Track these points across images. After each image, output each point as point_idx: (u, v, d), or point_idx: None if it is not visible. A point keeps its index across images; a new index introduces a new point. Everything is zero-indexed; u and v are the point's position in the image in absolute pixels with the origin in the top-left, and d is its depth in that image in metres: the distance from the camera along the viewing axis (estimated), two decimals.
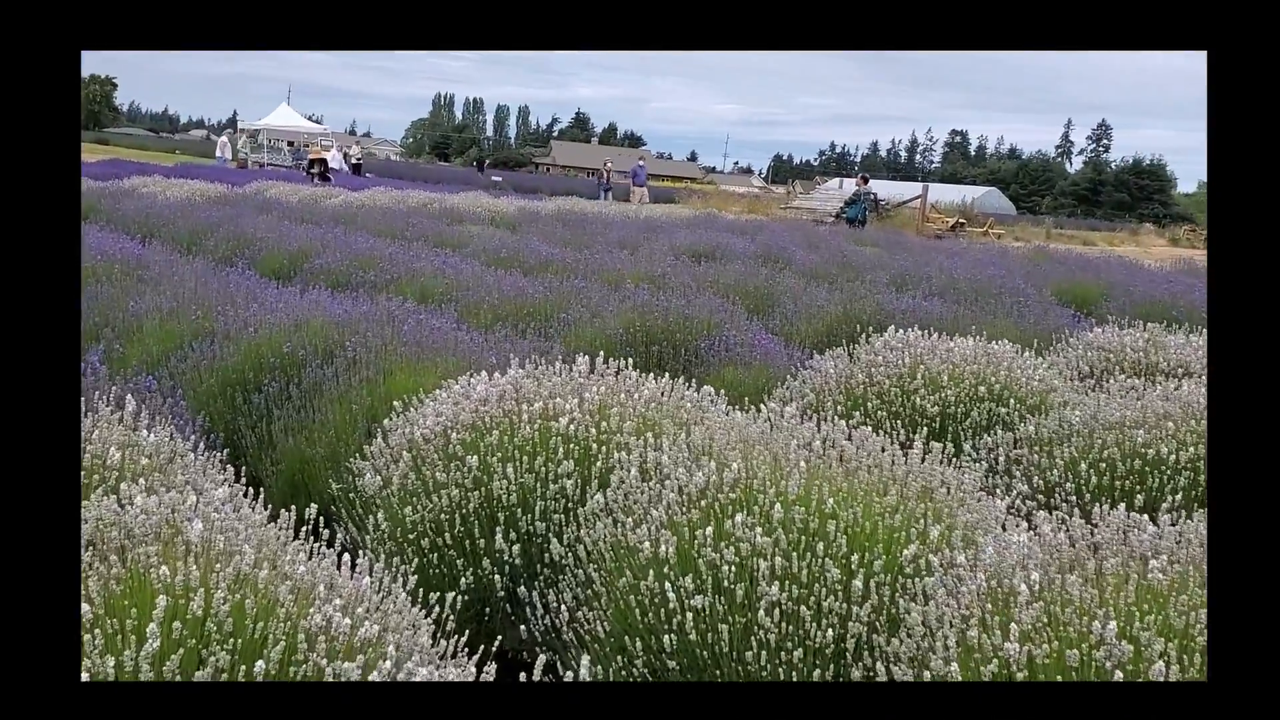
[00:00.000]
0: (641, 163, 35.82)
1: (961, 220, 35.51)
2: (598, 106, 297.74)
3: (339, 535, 4.20)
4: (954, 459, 3.95)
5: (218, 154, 38.47)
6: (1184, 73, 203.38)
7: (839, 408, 5.18)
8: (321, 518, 4.42)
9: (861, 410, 5.16)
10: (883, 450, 3.50)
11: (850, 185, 43.07)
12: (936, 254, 14.15)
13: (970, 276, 10.27)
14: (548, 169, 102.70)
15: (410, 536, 3.84)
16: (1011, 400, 5.11)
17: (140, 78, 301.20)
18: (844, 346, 5.81)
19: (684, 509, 3.28)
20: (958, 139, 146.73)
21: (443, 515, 3.81)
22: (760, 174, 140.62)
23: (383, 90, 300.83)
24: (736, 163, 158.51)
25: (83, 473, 3.03)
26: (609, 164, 35.00)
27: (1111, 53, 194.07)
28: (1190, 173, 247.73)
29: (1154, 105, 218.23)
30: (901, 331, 5.69)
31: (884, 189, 41.35)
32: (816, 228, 22.69)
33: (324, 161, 27.49)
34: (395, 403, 4.48)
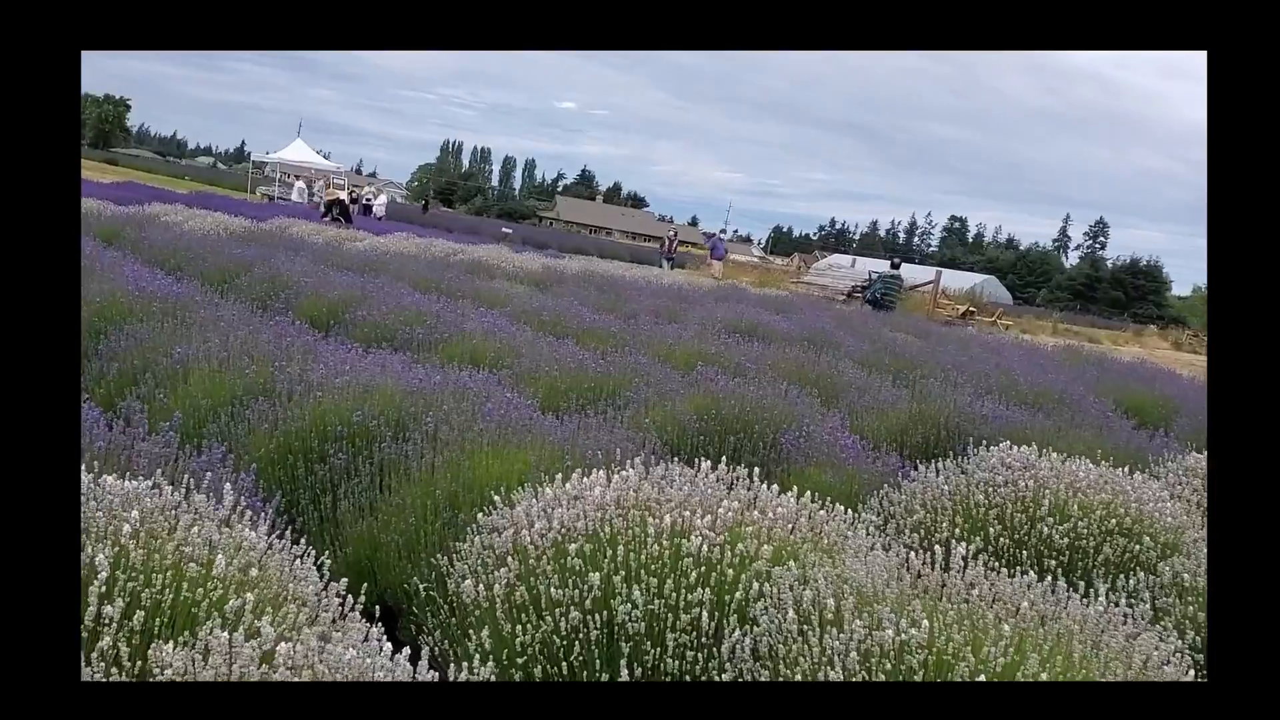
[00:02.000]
0: (722, 236, 35.07)
1: (972, 309, 35.36)
2: (603, 164, 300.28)
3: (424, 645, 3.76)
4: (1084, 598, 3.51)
5: (293, 196, 36.87)
6: (1178, 178, 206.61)
7: (956, 530, 4.75)
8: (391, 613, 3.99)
9: (982, 536, 4.73)
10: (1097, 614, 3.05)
11: (863, 264, 43.02)
12: (977, 347, 13.81)
13: (1031, 380, 9.89)
14: (551, 223, 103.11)
15: (518, 660, 3.37)
16: (1145, 537, 4.69)
17: (151, 100, 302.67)
18: (952, 459, 5.40)
19: (866, 672, 2.83)
20: (956, 225, 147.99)
21: (557, 639, 3.36)
22: (760, 244, 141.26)
23: (390, 131, 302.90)
24: (736, 231, 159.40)
25: (187, 585, 2.58)
26: (675, 234, 34.30)
27: (1105, 151, 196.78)
28: (1184, 277, 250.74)
29: (1148, 207, 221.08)
30: (1018, 448, 5.28)
31: (874, 267, 41.20)
32: (836, 306, 22.45)
33: (342, 203, 27.10)
34: (494, 495, 4.05)
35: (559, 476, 4.13)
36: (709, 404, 6.47)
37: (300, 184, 36.31)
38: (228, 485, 2.98)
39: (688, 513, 3.58)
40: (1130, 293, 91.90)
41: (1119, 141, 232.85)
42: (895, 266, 25.17)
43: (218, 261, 11.23)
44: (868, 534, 3.94)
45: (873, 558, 3.47)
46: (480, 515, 3.99)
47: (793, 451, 6.09)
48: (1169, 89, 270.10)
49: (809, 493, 4.00)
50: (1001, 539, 4.74)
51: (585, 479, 3.94)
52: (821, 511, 3.88)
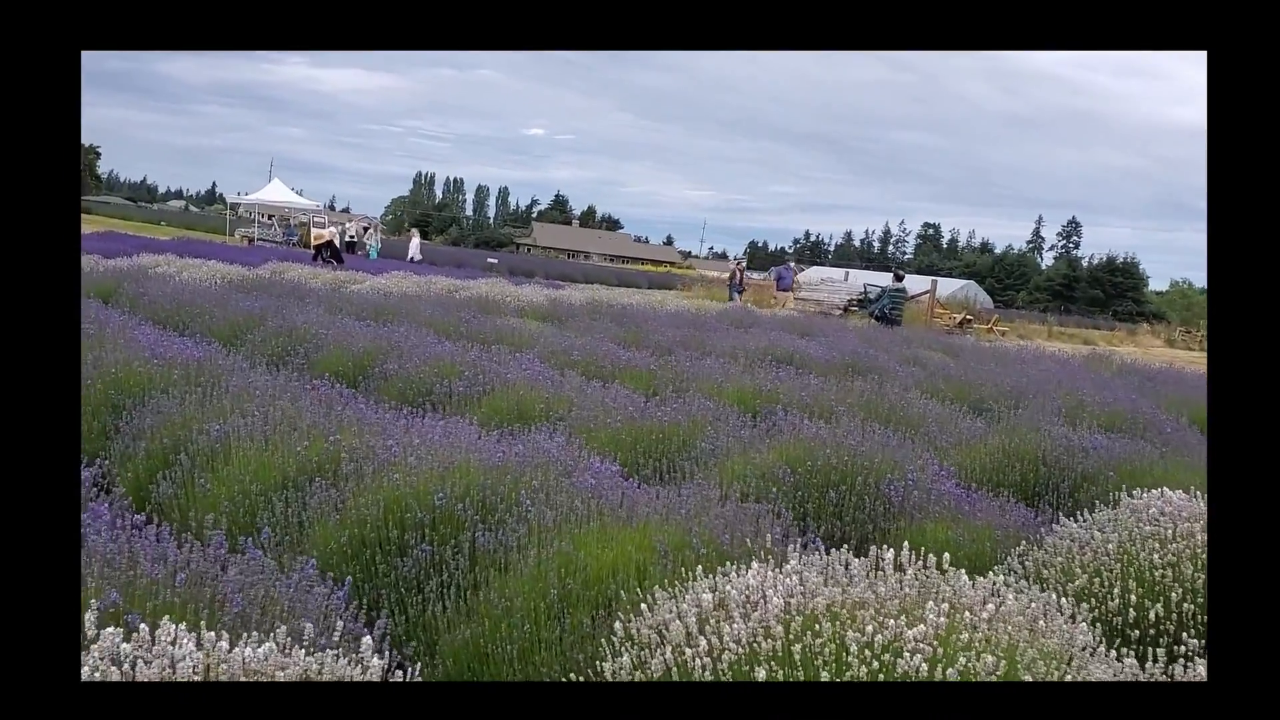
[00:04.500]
0: (790, 266, 33.22)
1: (969, 316, 35.02)
2: (574, 189, 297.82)
3: None
4: None
5: (368, 241, 36.05)
6: (1142, 174, 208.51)
7: (1131, 596, 4.18)
8: None
9: (1164, 602, 4.15)
10: None
11: (856, 277, 42.71)
12: (1015, 363, 13.30)
13: (1098, 400, 9.37)
14: (529, 249, 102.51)
15: None
16: None
17: (117, 146, 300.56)
18: (1105, 508, 4.85)
19: None
20: (930, 231, 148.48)
21: None
22: (737, 259, 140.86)
23: (361, 167, 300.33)
24: (712, 248, 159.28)
25: None
26: (742, 264, 32.85)
27: (1070, 151, 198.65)
28: (1159, 271, 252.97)
29: (1117, 205, 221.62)
30: (1174, 493, 4.74)
31: (868, 280, 40.76)
32: (836, 321, 21.96)
33: (332, 244, 26.37)
34: (624, 594, 3.46)
35: (699, 570, 3.55)
36: (800, 453, 5.89)
37: (334, 229, 35.02)
38: (339, 621, 2.37)
39: (890, 620, 3.00)
40: (1109, 290, 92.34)
41: (1083, 141, 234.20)
42: (899, 279, 24.76)
43: (225, 315, 10.55)
44: (1073, 619, 3.34)
45: (1119, 665, 2.89)
46: (617, 624, 3.39)
47: (905, 504, 5.51)
48: (1128, 87, 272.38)
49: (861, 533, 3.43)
50: (1185, 604, 4.18)
51: (741, 576, 3.35)
52: (1033, 604, 3.29)
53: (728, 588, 3.28)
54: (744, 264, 32.23)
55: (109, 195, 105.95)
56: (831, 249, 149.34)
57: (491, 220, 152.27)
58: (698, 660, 3.02)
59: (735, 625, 3.06)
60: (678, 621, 3.20)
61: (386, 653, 3.03)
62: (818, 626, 3.02)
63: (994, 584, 3.33)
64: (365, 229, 41.76)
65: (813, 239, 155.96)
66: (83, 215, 54.11)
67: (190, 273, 15.64)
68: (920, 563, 3.35)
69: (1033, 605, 3.27)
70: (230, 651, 2.22)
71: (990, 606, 3.15)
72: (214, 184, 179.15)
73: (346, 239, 39.05)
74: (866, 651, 2.90)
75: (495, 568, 4.11)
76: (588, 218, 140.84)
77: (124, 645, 2.21)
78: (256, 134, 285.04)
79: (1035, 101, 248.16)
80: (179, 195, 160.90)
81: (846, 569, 3.36)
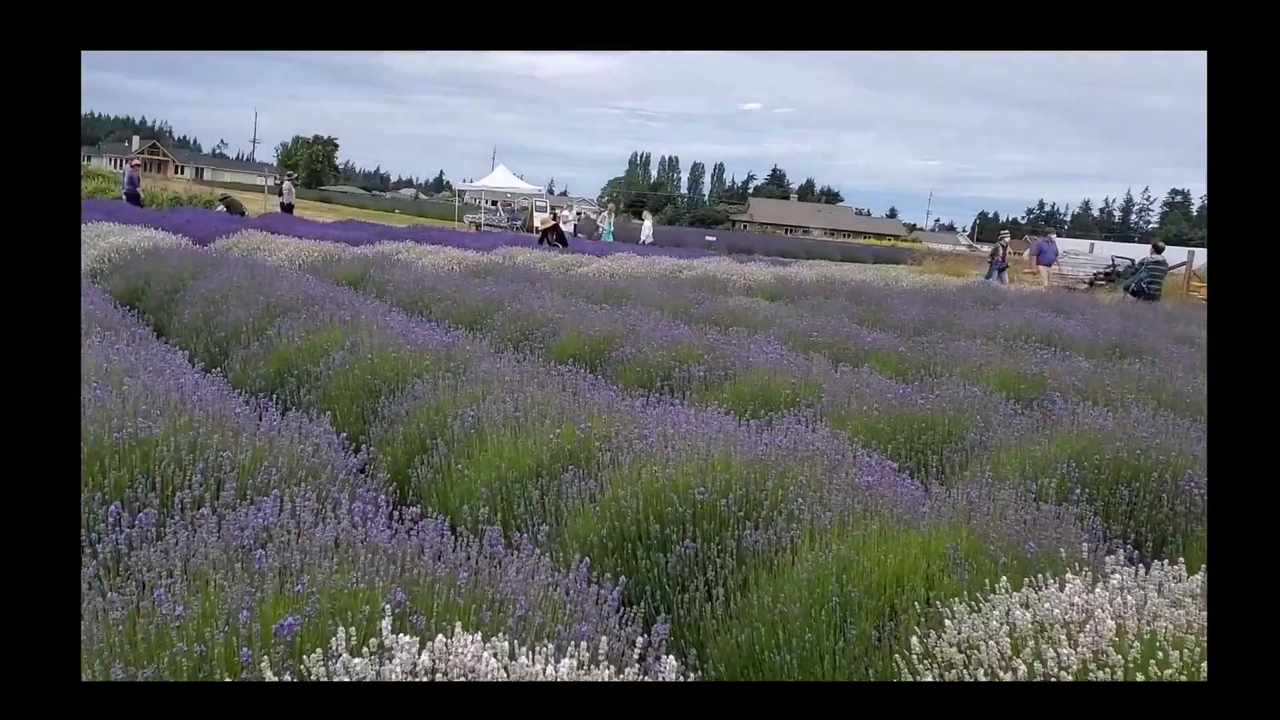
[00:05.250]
0: (1051, 239, 29.60)
1: None
2: (791, 162, 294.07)
3: None
4: None
5: (602, 224, 36.93)
6: None
7: None
8: None
9: None
10: None
11: (1101, 249, 40.08)
12: None
13: None
14: (744, 226, 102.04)
15: None
16: None
17: (354, 137, 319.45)
18: None
19: None
20: (1178, 199, 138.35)
21: None
22: (964, 231, 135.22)
23: (578, 150, 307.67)
24: (938, 220, 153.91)
25: None
26: (1006, 238, 29.19)
27: None
28: None
29: None
30: None
31: (1115, 252, 37.89)
32: (1089, 297, 20.53)
33: (558, 229, 27.01)
34: (917, 606, 3.12)
35: (1003, 582, 3.18)
36: (1085, 446, 5.35)
37: (566, 214, 36.09)
38: (670, 660, 2.14)
39: None
40: None
41: None
42: (1158, 250, 22.79)
43: (466, 300, 10.79)
44: None
45: None
46: (914, 640, 3.07)
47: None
48: None
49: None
50: None
51: (1061, 592, 2.96)
52: None
53: (1047, 605, 2.90)
54: (1007, 239, 28.73)
55: (346, 185, 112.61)
56: (1068, 218, 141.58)
57: (706, 197, 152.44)
58: None
59: (1063, 650, 2.68)
60: (990, 641, 2.85)
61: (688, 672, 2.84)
62: (1162, 655, 2.60)
63: None
64: (579, 214, 42.47)
65: (1047, 208, 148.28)
66: (324, 204, 57.78)
67: (428, 259, 16.20)
68: None
69: None
70: (531, 666, 2.05)
71: None
72: (441, 171, 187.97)
73: (573, 224, 39.93)
74: None
75: (765, 568, 3.87)
76: (806, 191, 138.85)
77: (423, 656, 2.08)
78: (478, 121, 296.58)
79: None
80: (409, 184, 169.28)
81: (1184, 585, 2.91)
